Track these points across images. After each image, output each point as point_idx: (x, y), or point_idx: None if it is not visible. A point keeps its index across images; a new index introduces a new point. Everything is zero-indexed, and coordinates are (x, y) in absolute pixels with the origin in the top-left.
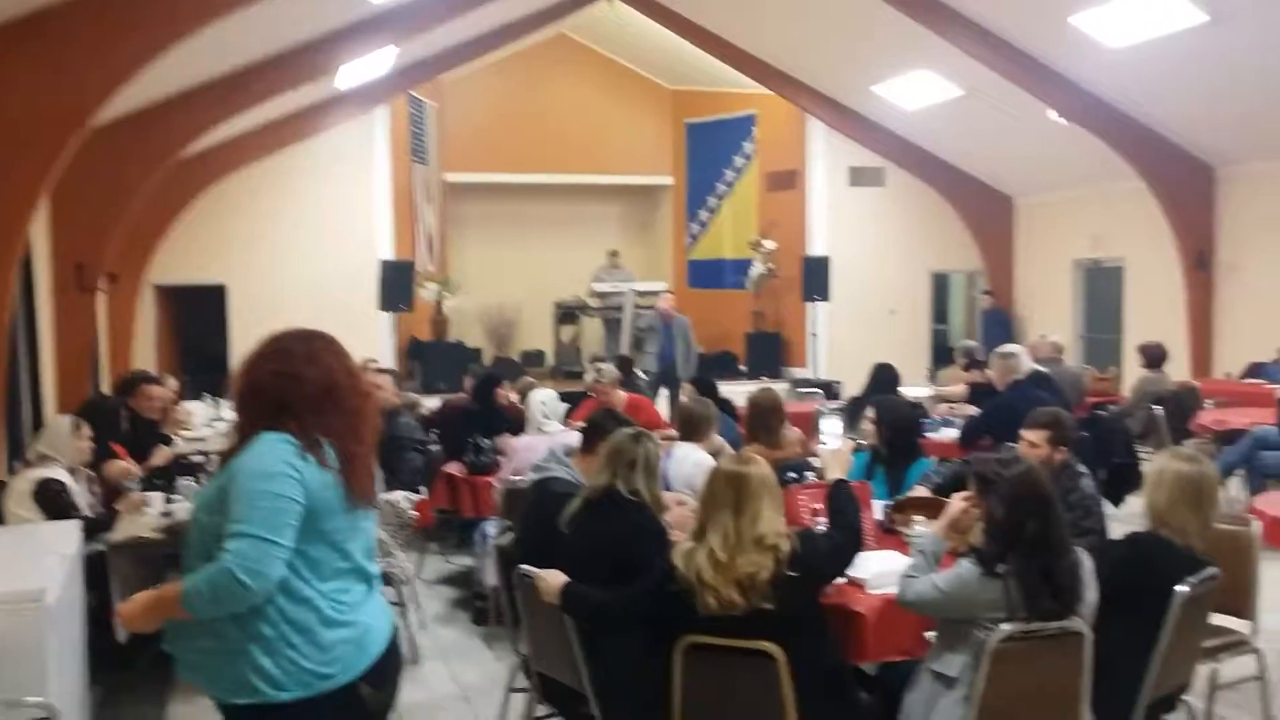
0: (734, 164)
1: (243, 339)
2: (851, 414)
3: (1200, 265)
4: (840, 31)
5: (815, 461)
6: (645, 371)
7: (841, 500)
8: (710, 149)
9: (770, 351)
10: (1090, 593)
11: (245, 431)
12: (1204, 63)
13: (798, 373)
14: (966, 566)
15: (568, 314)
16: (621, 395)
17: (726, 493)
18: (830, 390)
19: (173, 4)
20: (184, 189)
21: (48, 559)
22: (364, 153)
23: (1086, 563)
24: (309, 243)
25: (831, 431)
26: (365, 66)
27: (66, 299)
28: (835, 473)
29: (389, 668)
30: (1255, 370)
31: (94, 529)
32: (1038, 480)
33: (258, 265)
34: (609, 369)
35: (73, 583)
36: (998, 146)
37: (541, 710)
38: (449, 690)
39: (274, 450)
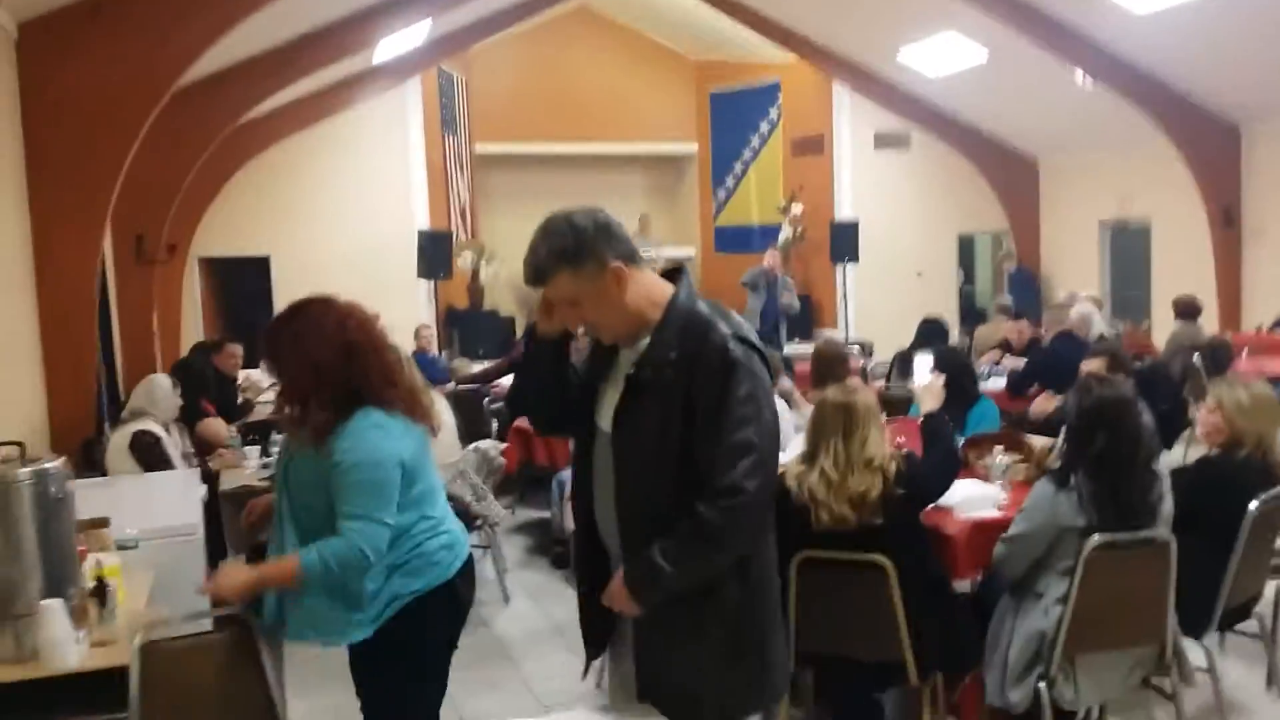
0: (759, 130)
1: None
2: (901, 366)
3: (1227, 224)
4: None
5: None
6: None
7: (936, 428)
8: (735, 117)
9: (801, 314)
10: (1166, 505)
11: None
12: (1229, 24)
13: (830, 334)
14: (1040, 485)
15: None
16: None
17: (836, 419)
18: (865, 348)
19: None
20: (226, 162)
21: (188, 501)
22: (398, 125)
23: (1164, 479)
24: (349, 214)
25: (923, 366)
26: (402, 39)
27: (126, 271)
28: (929, 405)
29: (471, 568)
30: None
31: None
32: (1120, 397)
33: (300, 237)
34: None
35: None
36: (1023, 109)
37: None
38: (543, 625)
39: (379, 436)
